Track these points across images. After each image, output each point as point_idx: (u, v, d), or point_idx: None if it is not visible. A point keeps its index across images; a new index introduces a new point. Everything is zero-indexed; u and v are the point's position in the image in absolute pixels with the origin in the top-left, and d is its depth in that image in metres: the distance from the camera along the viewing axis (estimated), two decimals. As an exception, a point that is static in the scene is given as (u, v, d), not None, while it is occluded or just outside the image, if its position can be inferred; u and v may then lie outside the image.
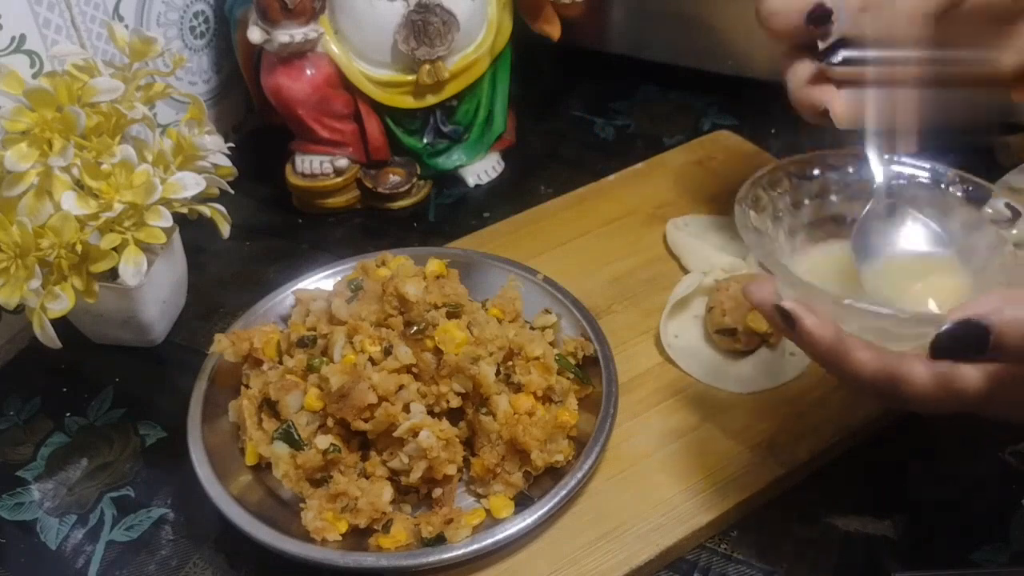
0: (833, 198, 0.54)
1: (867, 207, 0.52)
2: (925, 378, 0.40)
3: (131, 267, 0.56)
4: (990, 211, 0.51)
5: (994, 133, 0.75)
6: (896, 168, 0.53)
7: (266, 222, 0.76)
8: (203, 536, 0.54)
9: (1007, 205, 0.51)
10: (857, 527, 0.53)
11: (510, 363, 0.56)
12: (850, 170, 0.54)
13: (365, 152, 0.75)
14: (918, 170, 0.54)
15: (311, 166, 0.74)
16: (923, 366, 0.41)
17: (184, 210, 0.60)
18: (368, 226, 0.76)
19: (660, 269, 0.68)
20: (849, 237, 0.52)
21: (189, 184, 0.58)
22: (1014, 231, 0.50)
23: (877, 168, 0.53)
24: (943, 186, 0.53)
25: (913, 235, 0.52)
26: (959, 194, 0.52)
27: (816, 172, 0.54)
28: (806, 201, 0.54)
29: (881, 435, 0.57)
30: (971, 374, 0.40)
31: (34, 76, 0.62)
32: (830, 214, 0.54)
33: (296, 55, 0.69)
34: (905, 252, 0.51)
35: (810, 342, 0.43)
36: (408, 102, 0.74)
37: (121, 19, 0.69)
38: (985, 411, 0.42)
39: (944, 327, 0.38)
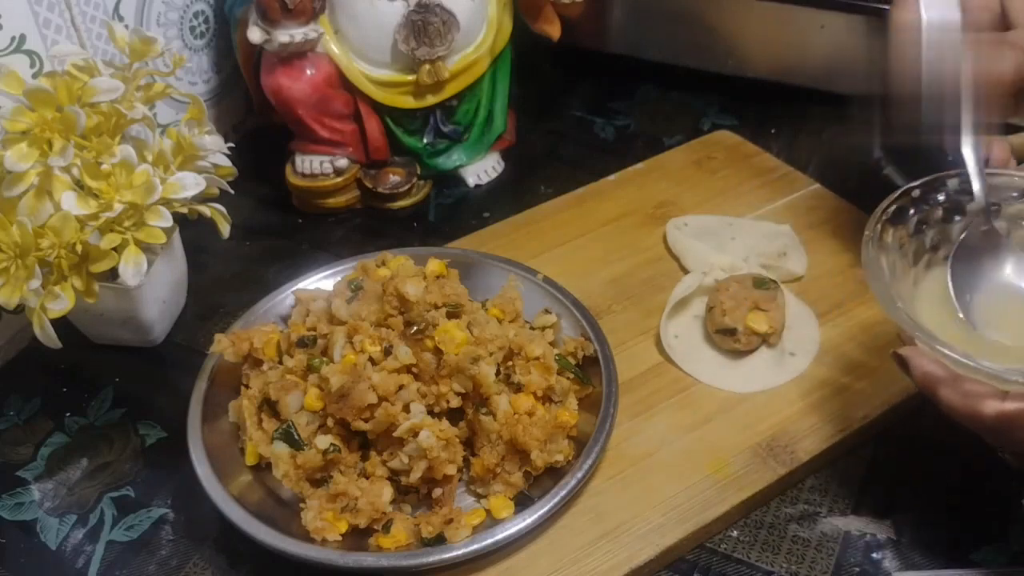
0: (957, 218, 0.53)
1: (962, 234, 0.51)
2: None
3: (131, 267, 0.56)
4: None
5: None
6: (1002, 180, 0.52)
7: (266, 222, 0.76)
8: (203, 536, 0.54)
9: None
10: (857, 527, 0.53)
11: (510, 363, 0.56)
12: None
13: (365, 152, 0.75)
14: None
15: (311, 166, 0.74)
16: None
17: (184, 210, 0.60)
18: (368, 226, 0.76)
19: (660, 269, 0.68)
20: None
21: (189, 184, 0.58)
22: None
23: (976, 179, 0.50)
24: None
25: (1014, 266, 0.52)
26: None
27: (941, 196, 0.53)
28: (927, 227, 0.53)
29: (881, 435, 0.57)
30: None
31: (34, 76, 0.62)
32: (952, 236, 0.53)
33: (296, 55, 0.69)
34: (1008, 284, 0.51)
35: (924, 384, 0.46)
36: (408, 102, 0.74)
37: (121, 19, 0.69)
38: None
39: None
